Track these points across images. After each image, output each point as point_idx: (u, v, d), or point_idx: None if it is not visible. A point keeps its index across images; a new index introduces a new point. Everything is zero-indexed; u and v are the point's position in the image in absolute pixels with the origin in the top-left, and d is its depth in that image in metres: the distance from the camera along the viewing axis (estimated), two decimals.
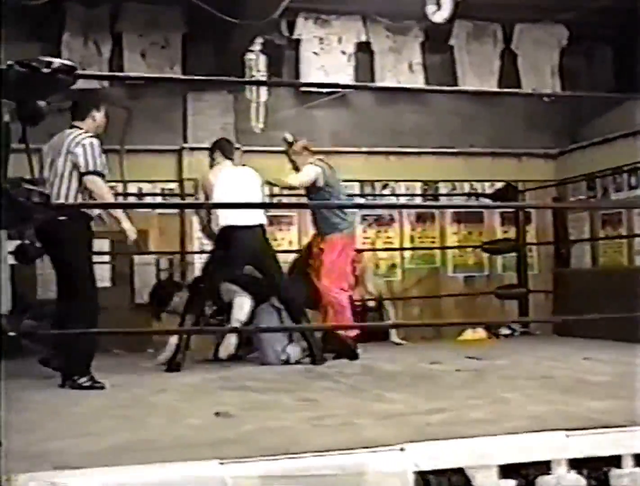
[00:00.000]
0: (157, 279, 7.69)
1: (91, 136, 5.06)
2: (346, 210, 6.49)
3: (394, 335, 7.65)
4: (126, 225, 5.12)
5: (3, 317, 2.97)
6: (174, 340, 5.88)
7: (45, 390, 4.78)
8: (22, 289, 7.05)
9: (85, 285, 4.99)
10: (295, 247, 8.08)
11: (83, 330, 4.55)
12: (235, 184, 5.96)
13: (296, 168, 6.43)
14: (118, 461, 2.70)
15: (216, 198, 5.90)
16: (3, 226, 2.83)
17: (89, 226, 5.12)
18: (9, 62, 2.65)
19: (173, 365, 5.67)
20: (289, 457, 2.70)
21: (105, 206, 5.22)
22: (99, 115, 5.24)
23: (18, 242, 5.32)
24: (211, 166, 6.28)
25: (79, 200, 5.05)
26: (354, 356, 6.16)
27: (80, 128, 5.11)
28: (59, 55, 7.25)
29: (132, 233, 5.17)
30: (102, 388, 4.81)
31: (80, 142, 4.99)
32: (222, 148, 6.28)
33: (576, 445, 2.97)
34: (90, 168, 4.94)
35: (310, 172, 6.30)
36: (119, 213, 5.17)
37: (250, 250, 5.97)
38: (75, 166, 4.97)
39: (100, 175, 5.00)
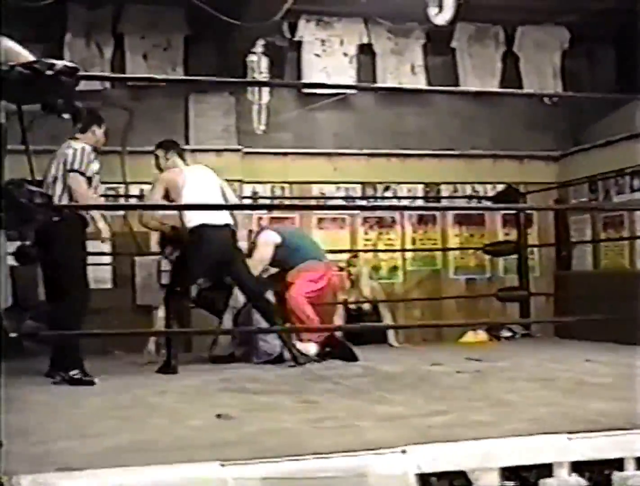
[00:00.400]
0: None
1: (85, 144, 5.26)
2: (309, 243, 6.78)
3: (392, 338, 7.62)
4: (101, 224, 5.38)
5: (3, 317, 2.96)
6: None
7: (46, 390, 4.78)
8: (24, 289, 7.04)
9: (73, 287, 5.13)
10: None
11: (86, 331, 4.56)
12: (202, 184, 5.94)
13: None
14: (119, 462, 2.69)
15: (186, 198, 5.83)
16: (4, 227, 2.83)
17: (82, 228, 5.28)
18: (10, 63, 2.65)
19: (170, 369, 5.66)
20: (290, 459, 2.69)
21: (103, 207, 5.30)
22: (99, 132, 5.47)
23: (18, 243, 5.38)
24: (161, 165, 6.10)
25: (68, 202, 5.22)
26: (352, 357, 6.15)
27: (79, 140, 5.32)
28: (61, 57, 7.26)
29: (106, 232, 5.45)
30: (92, 382, 4.95)
31: (72, 146, 5.22)
32: (175, 149, 6.19)
33: (578, 448, 2.95)
34: (75, 167, 5.13)
35: (265, 243, 6.51)
36: (94, 213, 5.38)
37: (221, 249, 5.94)
38: (65, 167, 5.16)
39: (83, 175, 5.15)
